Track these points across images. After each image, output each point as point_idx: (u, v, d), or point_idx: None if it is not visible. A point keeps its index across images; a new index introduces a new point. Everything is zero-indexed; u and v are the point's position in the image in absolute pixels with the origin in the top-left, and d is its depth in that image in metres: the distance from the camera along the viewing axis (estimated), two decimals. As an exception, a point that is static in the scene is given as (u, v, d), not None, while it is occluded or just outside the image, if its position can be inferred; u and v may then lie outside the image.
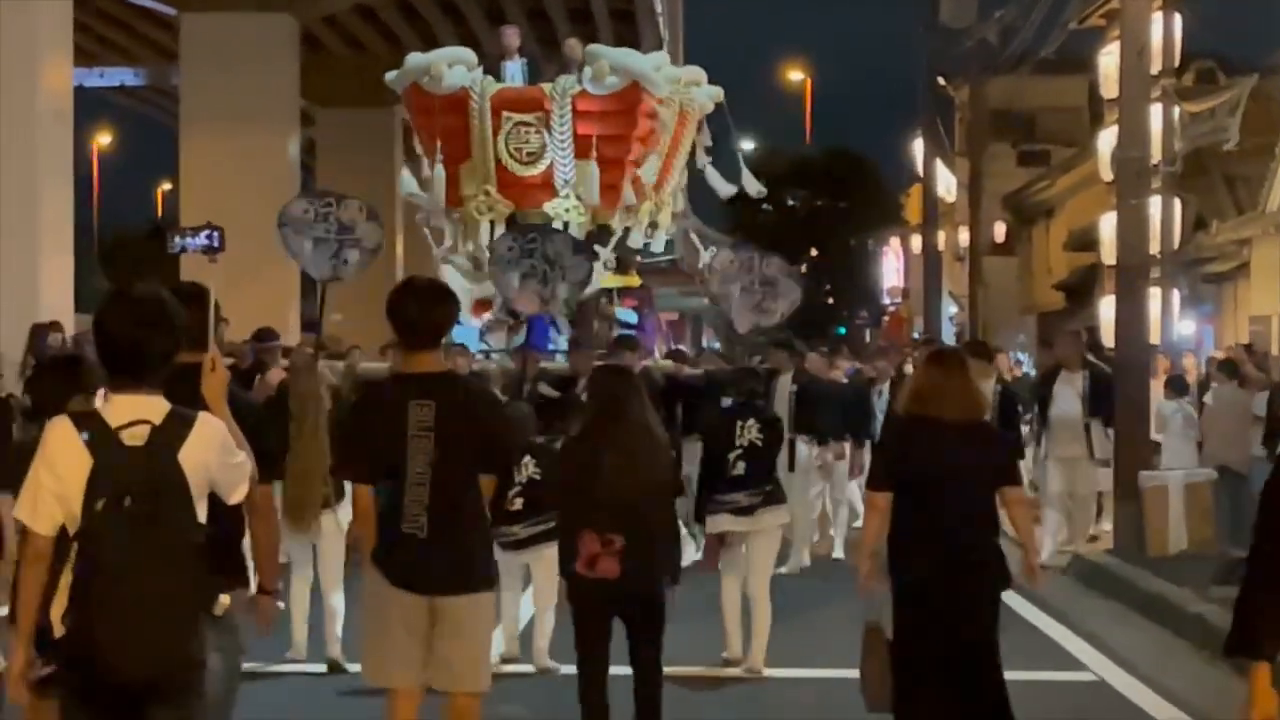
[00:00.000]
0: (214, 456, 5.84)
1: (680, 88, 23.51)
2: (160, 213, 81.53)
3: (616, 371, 9.94)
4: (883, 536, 8.58)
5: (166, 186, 77.27)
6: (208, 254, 10.68)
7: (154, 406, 5.77)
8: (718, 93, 24.11)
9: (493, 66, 23.36)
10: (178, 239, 11.24)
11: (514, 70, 23.51)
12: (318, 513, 12.05)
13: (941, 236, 58.22)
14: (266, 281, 32.60)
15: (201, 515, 5.77)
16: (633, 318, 24.62)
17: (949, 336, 47.84)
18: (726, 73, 26.18)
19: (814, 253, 74.13)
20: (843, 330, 71.25)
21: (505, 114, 22.59)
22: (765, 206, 68.84)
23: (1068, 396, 17.76)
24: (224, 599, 6.26)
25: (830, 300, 74.33)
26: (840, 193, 71.69)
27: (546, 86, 22.68)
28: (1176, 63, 32.26)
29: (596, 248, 21.84)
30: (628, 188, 22.56)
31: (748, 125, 67.67)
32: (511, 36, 24.45)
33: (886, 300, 68.48)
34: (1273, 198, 30.95)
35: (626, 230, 23.16)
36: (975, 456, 8.49)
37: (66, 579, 5.60)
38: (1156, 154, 20.11)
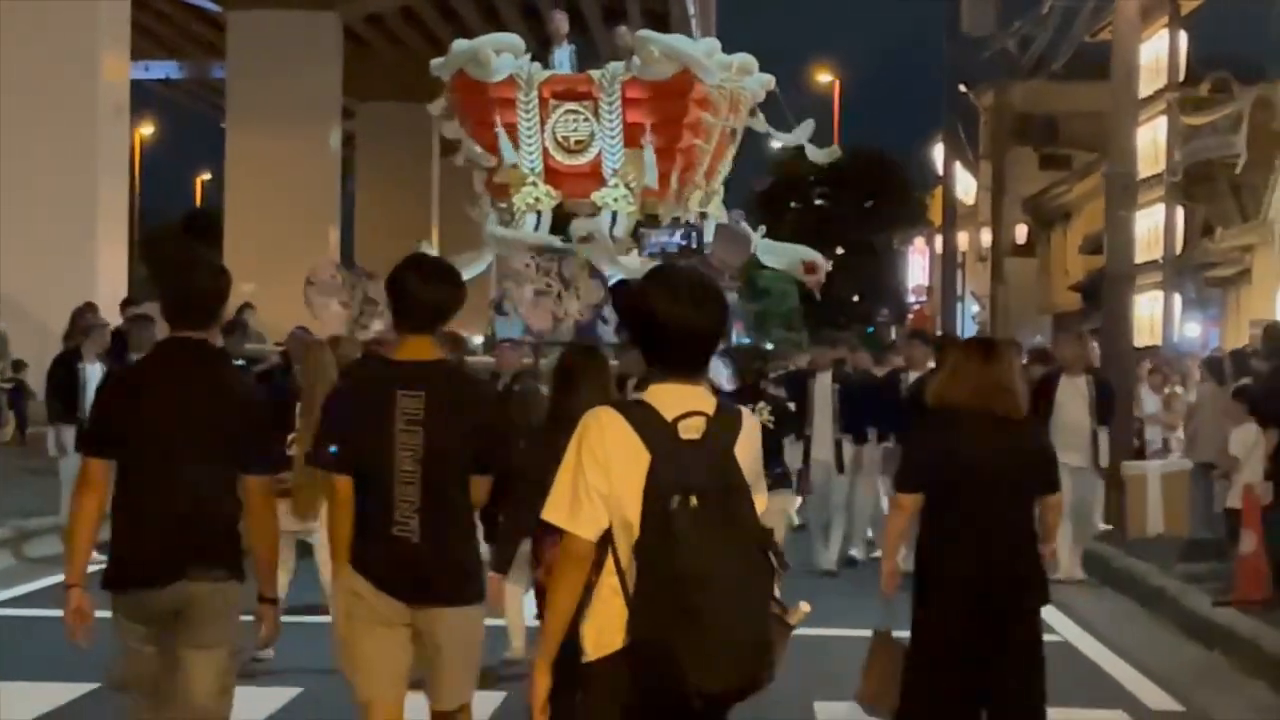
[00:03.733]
0: (755, 453, 5.30)
1: (732, 75, 23.12)
2: (200, 202, 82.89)
3: (581, 350, 8.81)
4: (907, 538, 8.03)
5: (206, 177, 78.71)
6: (681, 254, 10.34)
7: (703, 397, 5.20)
8: (769, 80, 23.82)
9: (540, 53, 23.19)
10: (653, 237, 11.52)
11: (562, 57, 23.25)
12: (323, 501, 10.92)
13: (965, 237, 59.38)
14: (306, 270, 33.78)
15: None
16: None
17: (970, 335, 48.73)
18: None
19: (840, 251, 75.03)
20: (871, 329, 72.08)
21: (553, 102, 22.40)
22: (792, 204, 69.95)
23: (1074, 402, 16.50)
24: (804, 607, 5.34)
25: (856, 299, 75.14)
26: (866, 193, 72.47)
27: (595, 74, 22.43)
28: (1181, 77, 33.63)
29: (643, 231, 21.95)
30: (675, 177, 22.34)
31: (778, 126, 68.63)
32: (561, 21, 24.14)
33: (912, 299, 69.48)
34: (1274, 207, 31.94)
35: (675, 219, 23.01)
36: (1014, 457, 7.61)
37: (605, 589, 5.11)
38: (1159, 166, 20.84)
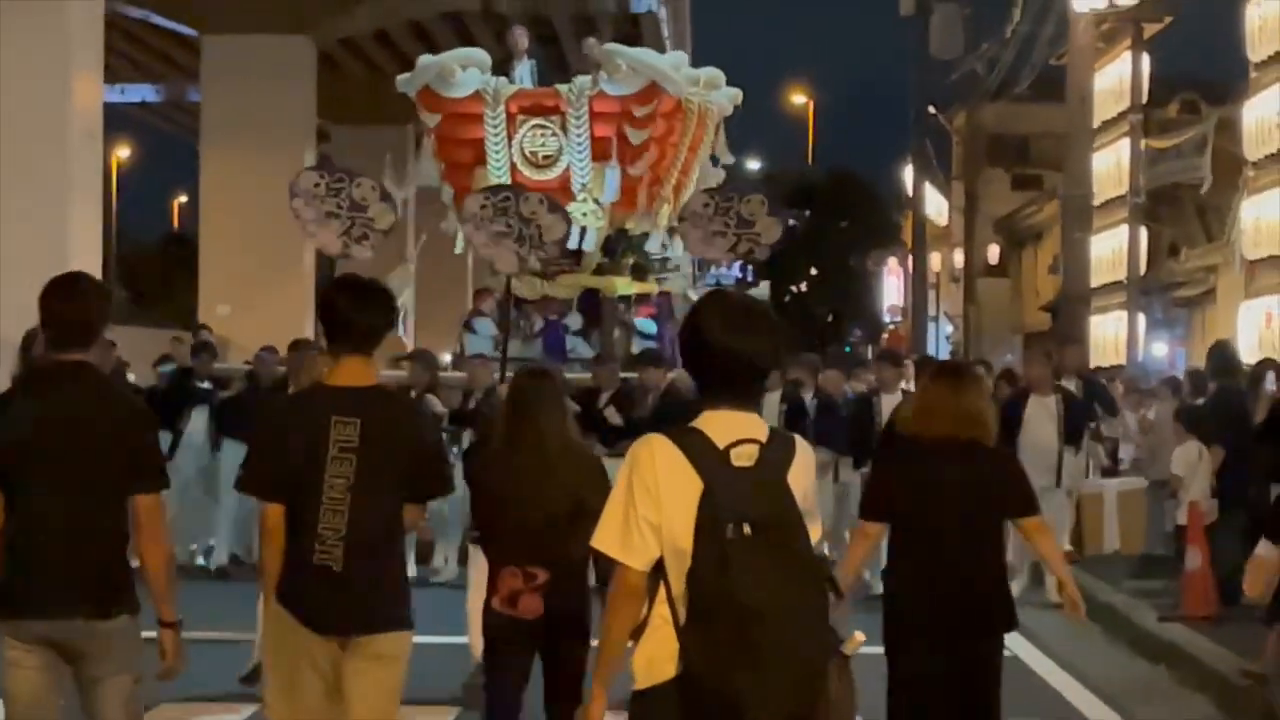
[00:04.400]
0: (809, 482, 5.17)
1: (700, 89, 22.94)
2: (177, 224, 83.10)
3: (534, 374, 8.46)
4: (865, 565, 7.95)
5: (183, 199, 78.88)
6: (739, 285, 10.17)
7: (756, 424, 5.10)
8: (737, 95, 23.54)
9: (501, 68, 22.86)
10: (713, 269, 11.36)
11: (523, 71, 23.10)
12: None
13: (938, 258, 59.72)
14: (280, 292, 34.01)
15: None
16: (652, 327, 23.17)
17: (944, 355, 49.07)
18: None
19: (814, 272, 75.37)
20: (848, 349, 72.34)
21: (520, 117, 22.10)
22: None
23: (1041, 422, 16.27)
24: (859, 636, 5.19)
25: (830, 318, 75.49)
26: (840, 213, 72.82)
27: (563, 88, 22.20)
28: (1144, 99, 33.96)
29: (619, 252, 21.93)
30: (644, 191, 22.10)
31: (751, 146, 69.01)
32: (520, 36, 23.94)
33: (887, 318, 69.83)
34: (1236, 228, 32.28)
35: (644, 235, 22.76)
36: (979, 481, 7.59)
37: (656, 619, 5.03)
38: (1123, 188, 20.93)
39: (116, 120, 50.38)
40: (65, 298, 6.61)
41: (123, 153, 68.53)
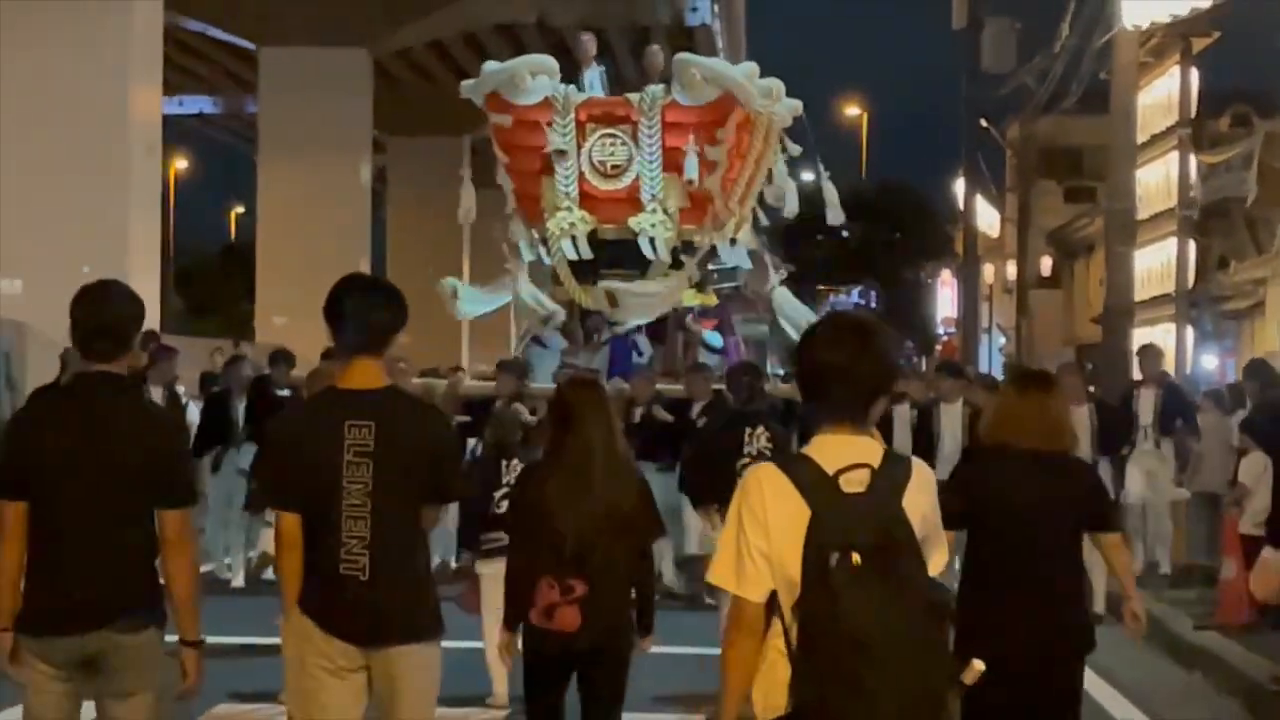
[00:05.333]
0: (928, 506, 4.99)
1: (768, 100, 22.18)
2: (234, 235, 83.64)
3: (579, 384, 8.28)
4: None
5: (240, 210, 79.46)
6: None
7: (869, 448, 4.95)
8: (797, 106, 22.87)
9: (570, 75, 22.39)
10: (832, 298, 11.53)
11: (592, 78, 22.67)
12: None
13: (991, 270, 59.78)
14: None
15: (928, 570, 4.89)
16: (717, 340, 22.60)
17: (997, 367, 49.16)
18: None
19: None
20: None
21: (590, 125, 21.66)
22: (819, 236, 70.36)
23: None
24: (978, 665, 5.03)
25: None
26: (893, 225, 72.74)
27: (634, 97, 21.69)
28: (1193, 113, 34.11)
29: (683, 259, 21.56)
30: (719, 202, 21.61)
31: (804, 157, 69.00)
32: (589, 43, 23.52)
33: (941, 330, 69.84)
34: (1285, 241, 32.37)
35: (713, 248, 22.26)
36: (1062, 493, 7.33)
37: (771, 651, 4.89)
38: (1172, 201, 20.76)
39: (174, 132, 50.87)
40: (94, 305, 6.46)
41: (181, 164, 69.04)
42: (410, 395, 7.19)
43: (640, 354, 21.62)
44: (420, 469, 6.35)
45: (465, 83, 22.81)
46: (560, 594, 7.45)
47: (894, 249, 73.23)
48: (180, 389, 19.08)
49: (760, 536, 4.83)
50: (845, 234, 73.19)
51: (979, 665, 4.98)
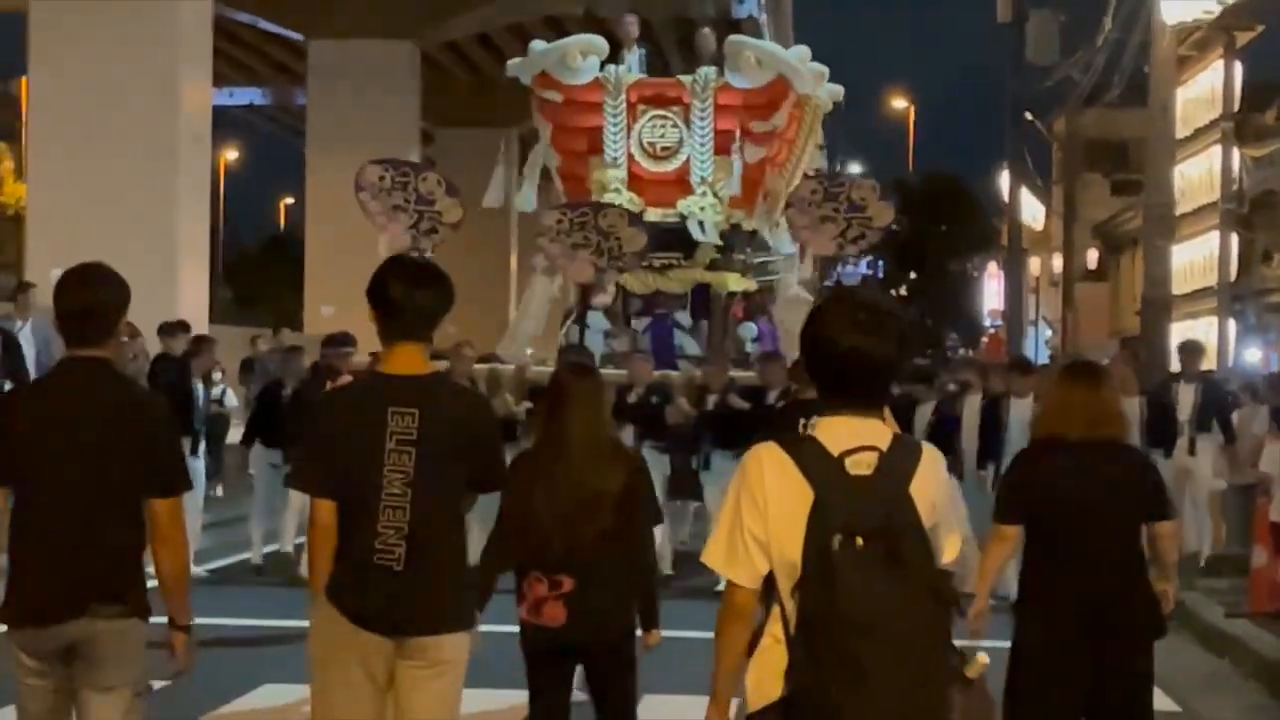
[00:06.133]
0: (937, 491, 4.80)
1: (817, 85, 22.14)
2: (283, 225, 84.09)
3: (575, 370, 7.99)
4: (1005, 569, 7.77)
5: (289, 200, 79.85)
6: (864, 282, 9.88)
7: (877, 430, 4.75)
8: (838, 91, 22.94)
9: (612, 55, 22.18)
10: (840, 266, 11.41)
11: (632, 60, 22.49)
12: None
13: (1037, 262, 59.82)
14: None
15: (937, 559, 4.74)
16: (752, 330, 22.29)
17: (1043, 359, 49.14)
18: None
19: (913, 276, 75.44)
20: (947, 353, 72.22)
21: (641, 106, 21.58)
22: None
23: None
24: (982, 658, 4.94)
25: (929, 322, 75.53)
26: (939, 217, 72.69)
27: (685, 79, 21.65)
28: (1236, 106, 34.15)
29: (733, 247, 21.46)
30: (772, 183, 21.52)
31: (850, 150, 69.25)
32: (631, 25, 23.25)
33: (988, 322, 69.84)
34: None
35: (753, 233, 22.20)
36: (1119, 481, 7.23)
37: (768, 638, 4.76)
38: (1215, 194, 20.75)
39: (224, 123, 51.21)
40: (77, 290, 6.24)
41: (230, 155, 69.46)
42: (454, 382, 7.02)
43: (683, 328, 21.51)
44: (463, 458, 6.17)
45: (512, 61, 22.71)
46: (548, 589, 7.23)
47: (939, 241, 73.26)
48: (217, 375, 19.07)
49: (756, 521, 4.68)
50: (895, 226, 73.45)
51: (983, 659, 4.90)
